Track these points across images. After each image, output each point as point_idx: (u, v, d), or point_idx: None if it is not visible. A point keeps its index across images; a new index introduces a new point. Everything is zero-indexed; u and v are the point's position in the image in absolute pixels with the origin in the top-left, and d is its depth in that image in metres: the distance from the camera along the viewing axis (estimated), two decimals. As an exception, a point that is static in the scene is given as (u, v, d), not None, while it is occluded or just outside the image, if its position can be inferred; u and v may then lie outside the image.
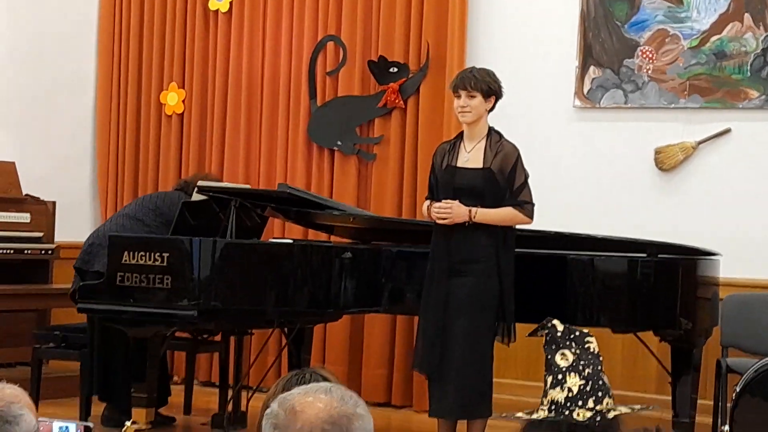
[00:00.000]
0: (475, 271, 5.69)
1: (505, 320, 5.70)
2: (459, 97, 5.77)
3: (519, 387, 7.38)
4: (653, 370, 6.90)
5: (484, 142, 5.77)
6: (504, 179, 5.71)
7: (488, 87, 5.76)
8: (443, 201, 5.74)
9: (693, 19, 7.20)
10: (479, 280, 5.68)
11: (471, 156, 5.77)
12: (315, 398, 2.23)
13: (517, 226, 5.85)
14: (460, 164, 5.78)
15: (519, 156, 5.75)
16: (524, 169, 5.75)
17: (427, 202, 5.88)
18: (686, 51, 7.22)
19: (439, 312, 5.71)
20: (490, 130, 5.81)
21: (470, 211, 5.67)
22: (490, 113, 5.87)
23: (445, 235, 5.76)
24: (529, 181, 5.81)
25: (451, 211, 5.69)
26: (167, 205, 6.81)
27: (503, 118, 7.41)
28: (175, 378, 8.07)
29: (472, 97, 5.75)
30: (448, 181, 5.79)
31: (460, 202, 5.71)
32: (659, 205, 7.26)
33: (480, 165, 5.74)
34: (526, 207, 5.73)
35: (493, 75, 5.85)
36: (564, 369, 3.00)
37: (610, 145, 7.43)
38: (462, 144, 5.83)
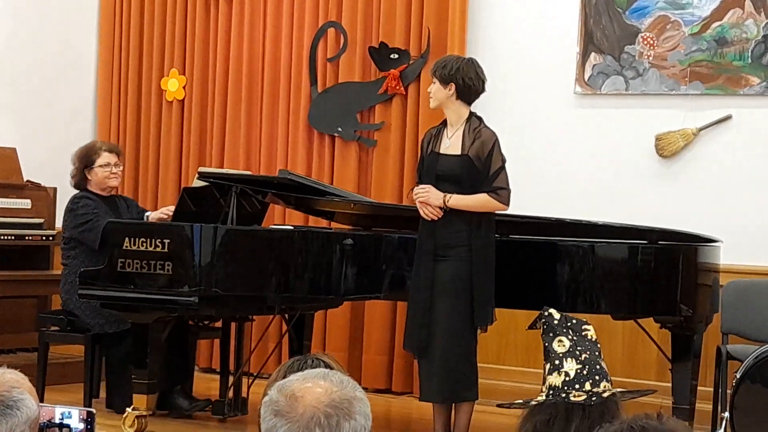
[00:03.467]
0: (454, 255, 5.81)
1: (475, 306, 5.75)
2: None
3: (519, 373, 7.40)
4: (653, 357, 6.91)
5: (463, 128, 5.85)
6: (481, 165, 5.77)
7: (443, 74, 5.89)
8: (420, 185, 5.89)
9: (694, 5, 7.19)
10: (457, 264, 5.80)
11: (452, 142, 5.89)
12: (314, 383, 2.24)
13: (517, 212, 5.91)
14: (442, 150, 5.90)
15: (496, 142, 5.83)
16: (501, 155, 5.83)
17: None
18: (687, 37, 7.21)
19: (425, 294, 5.81)
20: (471, 115, 5.91)
21: (444, 196, 5.77)
22: (474, 101, 5.95)
23: (430, 220, 5.84)
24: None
25: (428, 192, 5.80)
26: (69, 227, 6.90)
27: (504, 104, 7.45)
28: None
29: (433, 83, 5.94)
30: (430, 167, 5.91)
31: (442, 188, 5.83)
32: (660, 191, 7.26)
33: (459, 152, 5.82)
34: (501, 193, 5.80)
35: (455, 62, 5.94)
36: (561, 354, 3.02)
37: (611, 131, 7.42)
38: (445, 130, 5.94)
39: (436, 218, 5.81)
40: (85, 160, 6.96)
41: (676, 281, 5.98)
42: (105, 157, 6.96)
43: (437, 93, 5.90)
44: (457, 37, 7.66)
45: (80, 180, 6.97)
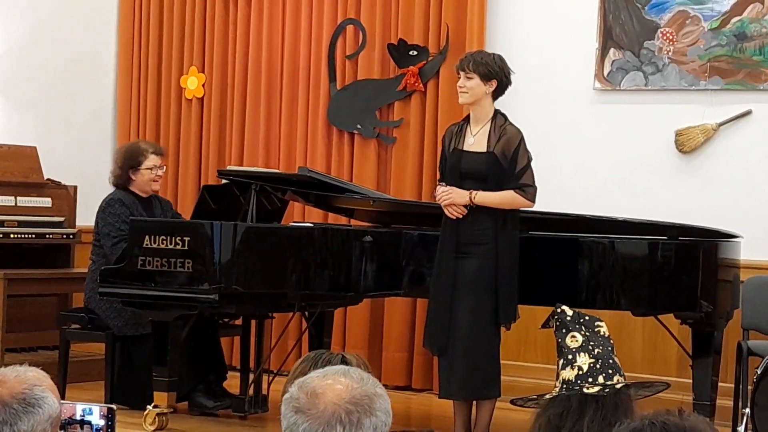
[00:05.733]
0: (478, 253, 5.79)
1: (500, 303, 5.74)
2: (459, 77, 5.89)
3: (539, 370, 7.38)
4: (674, 353, 6.89)
5: (488, 125, 5.84)
6: (507, 163, 5.75)
7: (487, 70, 5.82)
8: (443, 186, 5.84)
9: (713, 0, 7.17)
10: (482, 262, 5.78)
11: (476, 139, 5.85)
12: (334, 380, 2.25)
13: (537, 209, 5.91)
14: (465, 148, 5.86)
15: (522, 139, 5.81)
16: (527, 153, 5.81)
17: (439, 185, 5.98)
18: (707, 32, 7.19)
19: (447, 292, 5.80)
20: (496, 112, 5.89)
21: (470, 193, 5.75)
22: (500, 97, 5.94)
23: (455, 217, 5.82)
24: (534, 164, 5.88)
25: (451, 194, 5.75)
26: (100, 226, 6.88)
27: (523, 101, 7.43)
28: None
29: (470, 78, 5.85)
30: (454, 164, 5.88)
31: (466, 185, 5.81)
32: (680, 187, 7.24)
33: (484, 149, 5.81)
34: (528, 190, 5.78)
35: (497, 59, 5.92)
36: (574, 349, 3.03)
37: (631, 127, 7.41)
38: (468, 127, 5.91)
39: (461, 216, 5.80)
40: (131, 160, 6.90)
41: (697, 277, 5.96)
42: (152, 160, 6.91)
43: (476, 89, 5.82)
44: (476, 33, 7.66)
45: (124, 180, 6.91)
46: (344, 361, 2.84)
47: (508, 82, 5.90)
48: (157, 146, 7.28)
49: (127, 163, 6.92)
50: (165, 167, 7.21)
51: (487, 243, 5.78)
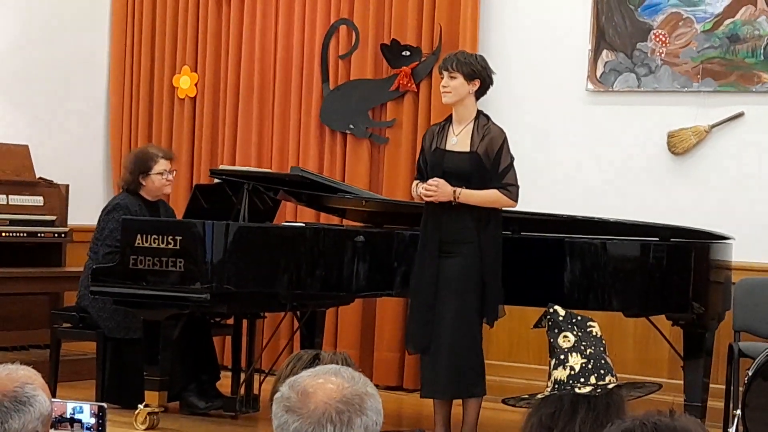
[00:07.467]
0: (462, 251, 5.81)
1: (485, 302, 5.75)
2: (443, 77, 5.90)
3: (530, 371, 7.39)
4: (665, 354, 6.90)
5: (471, 125, 5.87)
6: (490, 162, 5.77)
7: (471, 70, 5.85)
8: (430, 179, 5.84)
9: (706, 2, 7.18)
10: (466, 261, 5.79)
11: (459, 139, 5.87)
12: (326, 379, 2.25)
13: (529, 210, 5.93)
14: (448, 147, 5.89)
15: (505, 139, 5.84)
16: (510, 153, 5.85)
17: (416, 183, 6.00)
18: (699, 34, 7.19)
19: (430, 291, 5.80)
20: (479, 113, 5.92)
21: (455, 191, 5.77)
22: (482, 98, 5.97)
23: (435, 215, 5.87)
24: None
25: (437, 189, 5.76)
26: (101, 228, 6.84)
27: (516, 101, 7.45)
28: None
29: (453, 78, 5.87)
30: (436, 163, 5.89)
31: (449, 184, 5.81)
32: (672, 189, 7.25)
33: (467, 149, 5.83)
34: (511, 189, 5.81)
35: (480, 59, 5.96)
36: (566, 349, 3.03)
37: (623, 128, 7.41)
38: (450, 127, 5.94)
39: (436, 201, 5.80)
40: (143, 165, 6.85)
41: (689, 278, 5.97)
42: (162, 164, 6.86)
43: (461, 88, 5.85)
44: (468, 34, 7.66)
45: (135, 186, 6.86)
46: (317, 358, 2.85)
47: (491, 82, 5.94)
48: (167, 151, 7.22)
49: (138, 168, 6.86)
50: (175, 171, 7.16)
51: (470, 242, 5.80)
